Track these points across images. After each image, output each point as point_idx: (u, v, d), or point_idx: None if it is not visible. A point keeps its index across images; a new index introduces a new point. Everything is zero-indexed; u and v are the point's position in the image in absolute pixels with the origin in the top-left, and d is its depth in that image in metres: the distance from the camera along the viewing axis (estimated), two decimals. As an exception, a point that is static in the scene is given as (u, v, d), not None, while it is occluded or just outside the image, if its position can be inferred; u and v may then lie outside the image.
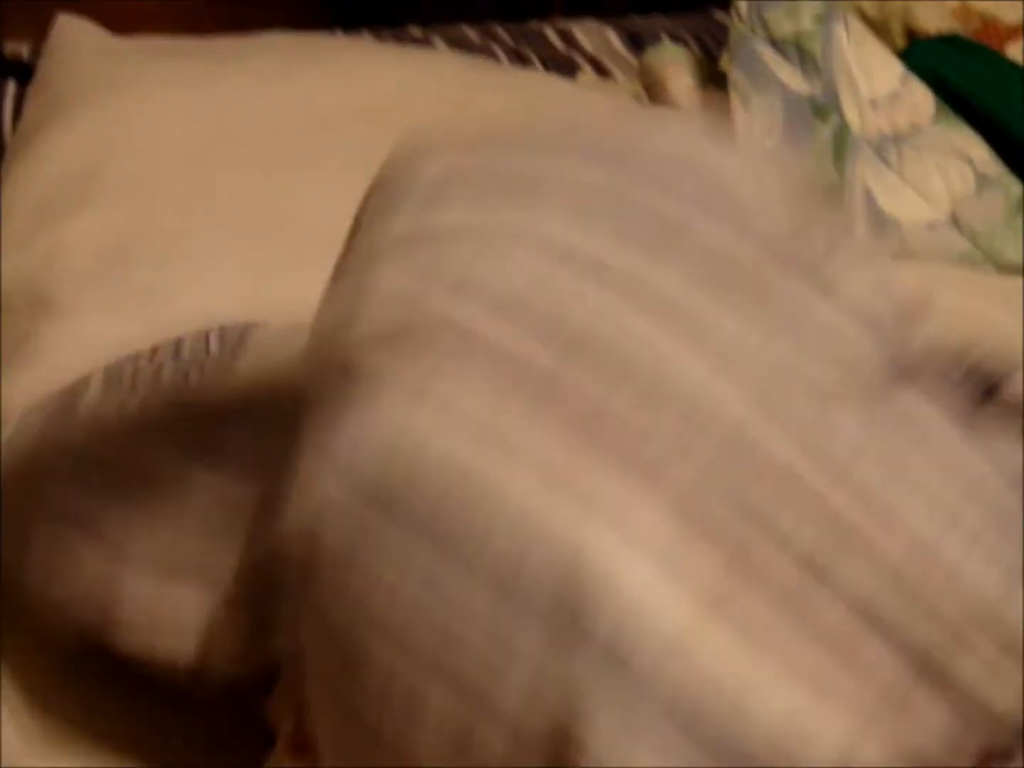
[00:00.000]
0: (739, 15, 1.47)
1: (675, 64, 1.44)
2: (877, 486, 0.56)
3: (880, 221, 1.47)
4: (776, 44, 1.47)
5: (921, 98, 1.53)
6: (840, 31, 1.53)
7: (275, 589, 0.60)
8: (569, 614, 0.53)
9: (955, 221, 1.50)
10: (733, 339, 0.57)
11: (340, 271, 0.64)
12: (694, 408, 0.55)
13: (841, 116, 1.49)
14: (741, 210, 0.61)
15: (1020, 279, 1.47)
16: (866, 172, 1.48)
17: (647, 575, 0.53)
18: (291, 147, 1.32)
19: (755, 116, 1.42)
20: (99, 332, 1.03)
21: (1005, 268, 1.49)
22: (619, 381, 0.55)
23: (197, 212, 1.21)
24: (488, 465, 0.54)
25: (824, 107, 1.49)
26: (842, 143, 1.48)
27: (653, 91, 1.42)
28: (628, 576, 0.53)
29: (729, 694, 0.52)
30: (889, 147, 1.51)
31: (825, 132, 1.47)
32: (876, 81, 1.53)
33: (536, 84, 1.42)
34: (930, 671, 0.55)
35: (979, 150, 1.53)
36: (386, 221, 0.62)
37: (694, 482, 0.54)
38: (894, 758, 0.54)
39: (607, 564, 0.53)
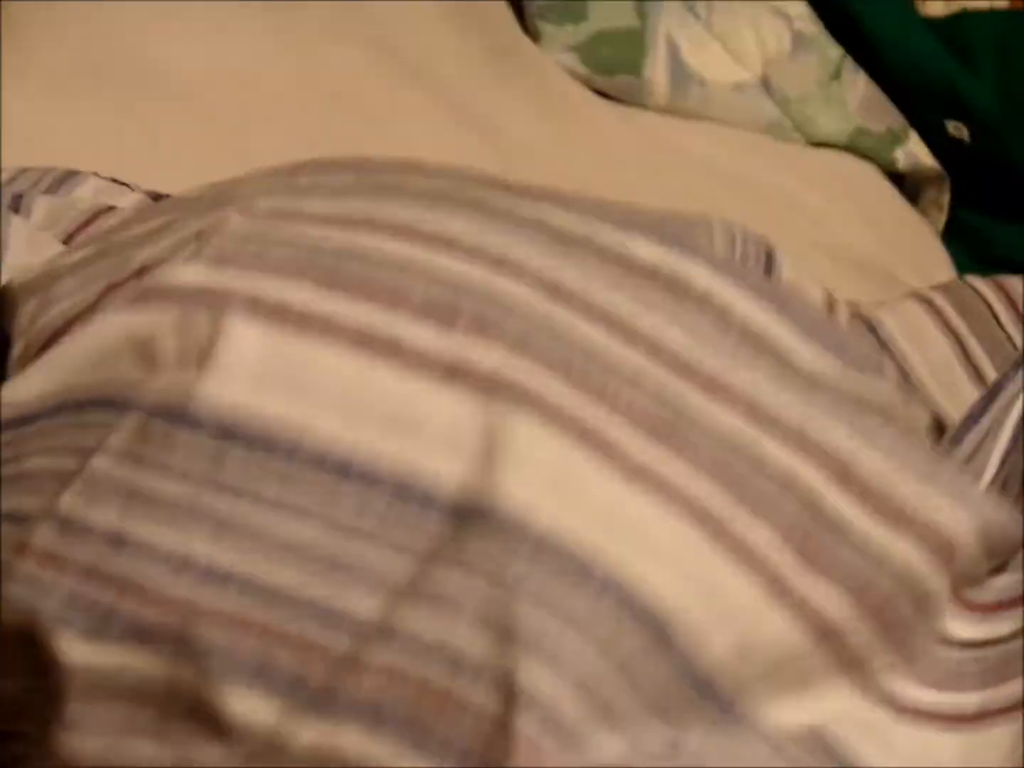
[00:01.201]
0: None
1: None
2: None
3: (684, 77, 1.31)
4: None
5: (736, -56, 1.37)
6: None
7: None
8: None
9: (765, 84, 1.35)
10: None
11: None
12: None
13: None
14: None
15: (830, 153, 1.34)
16: (671, 22, 1.32)
17: None
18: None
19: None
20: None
21: (815, 139, 1.35)
22: None
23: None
24: None
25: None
26: (646, -12, 1.31)
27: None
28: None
29: None
30: (699, -4, 1.35)
31: (627, -25, 1.31)
32: (687, -77, 1.36)
33: None
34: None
35: (797, 6, 1.39)
36: None
37: None
38: (800, 629, 0.55)
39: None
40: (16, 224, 0.81)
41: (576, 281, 0.59)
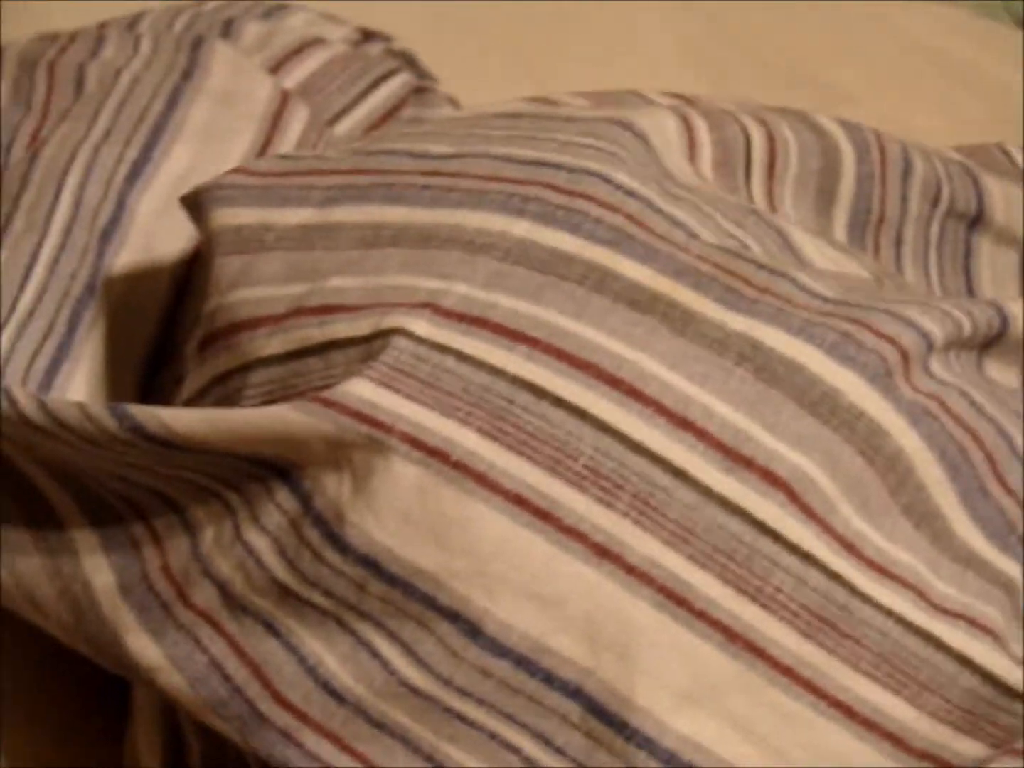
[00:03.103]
0: None
1: None
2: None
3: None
4: None
5: None
6: None
7: None
8: None
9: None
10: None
11: None
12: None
13: None
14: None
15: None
16: None
17: None
18: None
19: None
20: None
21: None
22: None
23: None
24: None
25: None
26: None
27: None
28: None
29: None
30: None
31: None
32: None
33: None
34: None
35: None
36: None
37: None
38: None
39: None
40: (221, 50, 0.82)
41: (760, 445, 0.55)
